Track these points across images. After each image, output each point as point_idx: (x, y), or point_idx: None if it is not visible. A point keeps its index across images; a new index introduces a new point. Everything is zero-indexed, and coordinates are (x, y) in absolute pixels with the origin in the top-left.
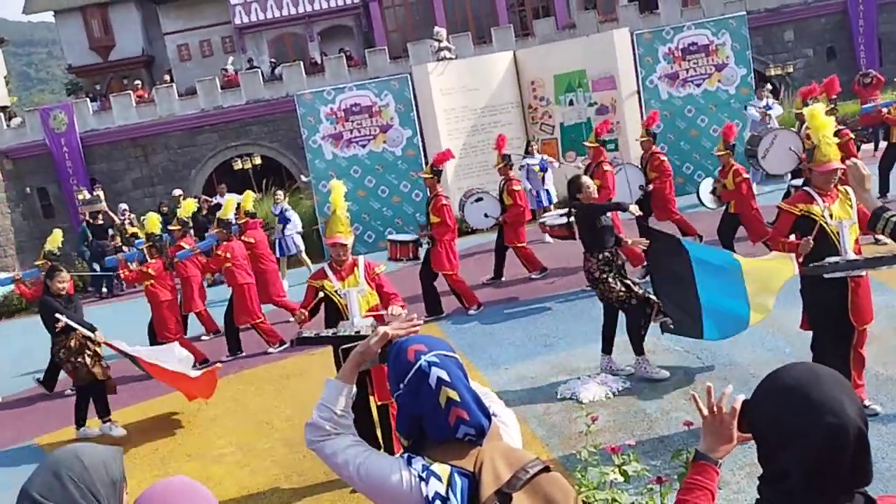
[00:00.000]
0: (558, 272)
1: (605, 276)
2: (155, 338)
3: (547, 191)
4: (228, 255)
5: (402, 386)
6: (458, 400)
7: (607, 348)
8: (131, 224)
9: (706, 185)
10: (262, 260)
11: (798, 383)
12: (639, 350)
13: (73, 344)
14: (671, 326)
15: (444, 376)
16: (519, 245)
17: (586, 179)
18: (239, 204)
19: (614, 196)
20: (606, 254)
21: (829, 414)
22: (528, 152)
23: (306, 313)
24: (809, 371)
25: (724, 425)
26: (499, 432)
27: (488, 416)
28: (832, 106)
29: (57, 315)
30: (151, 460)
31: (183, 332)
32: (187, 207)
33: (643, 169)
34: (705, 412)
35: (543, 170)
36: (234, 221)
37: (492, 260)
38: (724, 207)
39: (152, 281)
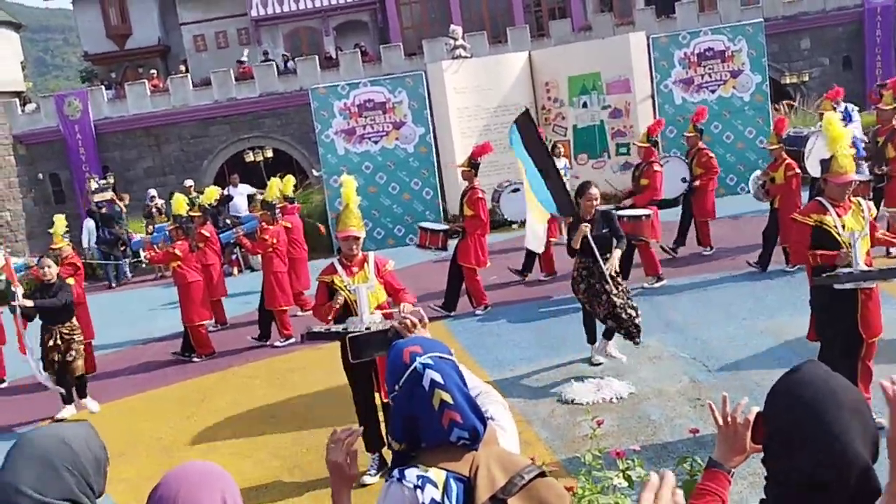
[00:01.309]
0: (568, 276)
1: (578, 277)
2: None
3: None
4: (275, 241)
5: (397, 387)
6: (451, 403)
7: (592, 338)
8: (159, 212)
9: (755, 175)
10: (295, 246)
11: (815, 401)
12: (591, 339)
13: (45, 337)
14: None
15: (438, 378)
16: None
17: (593, 190)
18: (251, 196)
19: (660, 196)
20: (588, 261)
21: (838, 443)
22: (553, 154)
23: (340, 300)
24: (830, 391)
25: (737, 436)
26: (495, 437)
27: (483, 419)
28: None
29: (11, 303)
30: (155, 449)
31: (210, 317)
32: (209, 194)
33: (690, 164)
34: (720, 422)
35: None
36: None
37: (503, 260)
38: (768, 203)
39: (179, 262)
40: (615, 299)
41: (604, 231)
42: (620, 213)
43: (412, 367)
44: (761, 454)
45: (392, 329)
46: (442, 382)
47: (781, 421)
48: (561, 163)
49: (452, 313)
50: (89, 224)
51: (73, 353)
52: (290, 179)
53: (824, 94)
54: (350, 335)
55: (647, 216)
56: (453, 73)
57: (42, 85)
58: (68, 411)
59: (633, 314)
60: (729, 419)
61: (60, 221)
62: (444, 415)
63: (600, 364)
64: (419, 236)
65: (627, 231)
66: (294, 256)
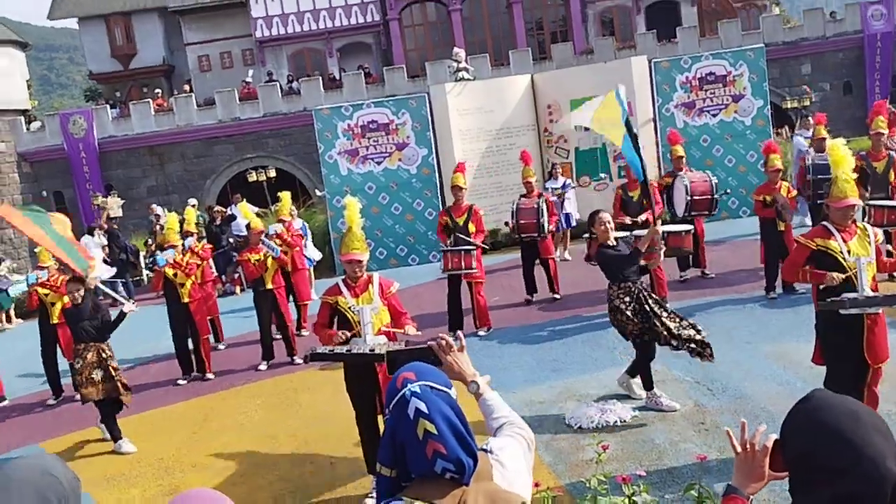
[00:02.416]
0: (570, 297)
1: (622, 306)
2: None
3: (567, 214)
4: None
5: (387, 411)
6: (435, 433)
7: (648, 384)
8: (162, 230)
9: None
10: (295, 260)
11: (838, 423)
12: (648, 385)
13: (90, 356)
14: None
15: (423, 408)
16: (552, 257)
17: (603, 215)
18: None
19: (660, 208)
20: (628, 284)
21: (868, 461)
22: (552, 175)
23: (347, 334)
24: (849, 411)
25: (755, 462)
26: (489, 472)
27: (472, 453)
28: None
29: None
30: (156, 470)
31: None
32: (189, 218)
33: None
34: (738, 448)
35: (564, 192)
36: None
37: (504, 279)
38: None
39: (200, 272)
40: (668, 322)
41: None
42: (664, 227)
43: (401, 394)
44: (774, 481)
45: (429, 347)
46: (426, 412)
47: (806, 449)
48: (559, 182)
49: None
50: (87, 241)
51: (114, 372)
52: (287, 196)
53: (801, 116)
54: (390, 350)
55: (688, 231)
56: (456, 96)
57: (46, 103)
58: (128, 446)
59: (693, 332)
60: (747, 446)
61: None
62: (428, 445)
63: (677, 410)
64: (444, 260)
65: (674, 245)
66: (297, 268)
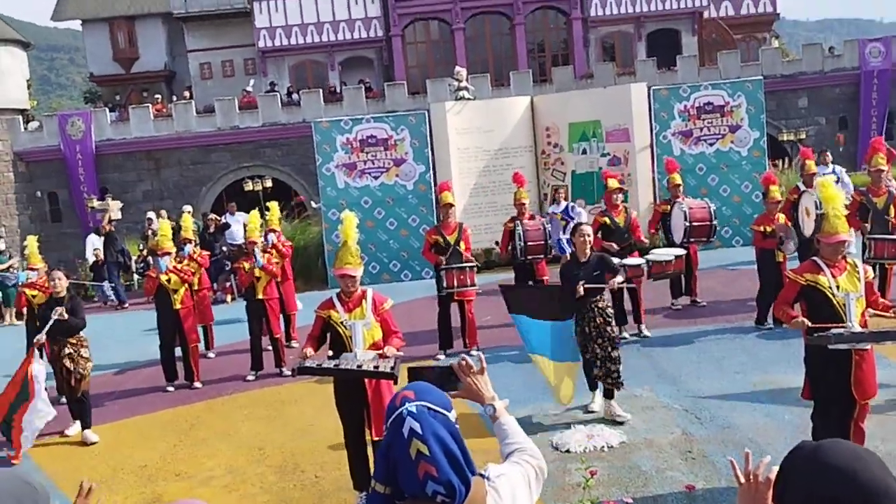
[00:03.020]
0: None
1: (576, 327)
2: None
3: (569, 239)
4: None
5: (385, 427)
6: (427, 454)
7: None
8: (154, 235)
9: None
10: (285, 270)
11: (845, 464)
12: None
13: (55, 348)
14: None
15: (417, 428)
16: (546, 278)
17: (584, 228)
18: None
19: (640, 233)
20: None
21: (879, 497)
22: (554, 200)
23: (311, 352)
24: (854, 452)
25: (758, 493)
26: (483, 498)
27: (465, 478)
28: None
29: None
30: (139, 477)
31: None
32: (187, 224)
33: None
34: (741, 479)
35: (567, 218)
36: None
37: (497, 299)
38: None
39: (197, 279)
40: (597, 349)
41: (595, 274)
42: (657, 253)
43: (398, 412)
44: None
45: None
46: (420, 433)
47: (809, 490)
48: (561, 206)
49: (448, 351)
50: (93, 239)
51: (82, 367)
52: (275, 206)
53: (818, 151)
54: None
55: (679, 256)
56: (456, 114)
57: (45, 103)
58: (76, 428)
59: (613, 368)
60: (751, 477)
61: (33, 241)
62: (420, 466)
63: (595, 412)
64: (447, 278)
65: (676, 268)
66: (286, 278)
